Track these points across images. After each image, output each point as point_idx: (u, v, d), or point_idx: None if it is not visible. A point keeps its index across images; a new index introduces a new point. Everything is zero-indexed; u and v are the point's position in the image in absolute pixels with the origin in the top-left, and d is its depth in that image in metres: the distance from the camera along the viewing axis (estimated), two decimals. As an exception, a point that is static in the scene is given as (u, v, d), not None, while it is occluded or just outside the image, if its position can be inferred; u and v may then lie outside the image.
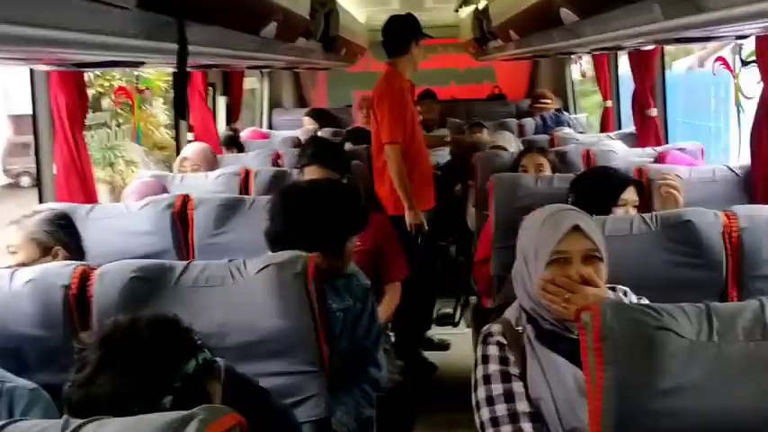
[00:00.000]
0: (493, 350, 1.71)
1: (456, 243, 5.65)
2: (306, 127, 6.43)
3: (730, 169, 2.79)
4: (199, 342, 1.36)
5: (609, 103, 5.25)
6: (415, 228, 3.93)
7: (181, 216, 2.57)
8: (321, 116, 6.63)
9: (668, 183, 2.51)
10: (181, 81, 1.59)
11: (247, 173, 3.42)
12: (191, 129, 4.38)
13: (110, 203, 2.66)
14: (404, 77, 4.04)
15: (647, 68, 4.13)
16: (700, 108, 10.57)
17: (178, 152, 4.32)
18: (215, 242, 2.57)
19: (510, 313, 1.80)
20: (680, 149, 3.54)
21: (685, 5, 1.62)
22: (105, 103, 10.03)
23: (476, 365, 1.73)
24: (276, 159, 4.24)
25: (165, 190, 3.01)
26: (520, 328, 1.73)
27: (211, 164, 4.01)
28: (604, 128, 5.26)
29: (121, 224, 2.56)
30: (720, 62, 3.29)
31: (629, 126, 5.17)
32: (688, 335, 1.20)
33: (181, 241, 2.56)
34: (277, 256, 1.78)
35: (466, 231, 4.54)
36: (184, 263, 1.83)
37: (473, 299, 3.60)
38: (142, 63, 2.08)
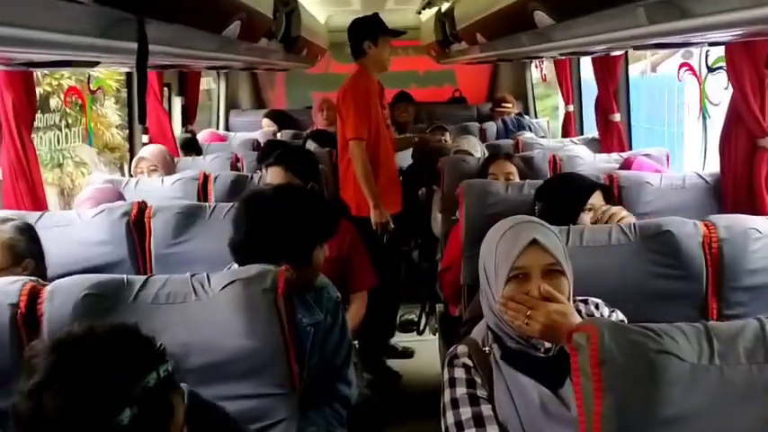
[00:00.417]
0: (459, 373, 1.66)
1: (419, 248, 5.58)
2: (265, 129, 6.30)
3: (700, 177, 2.77)
4: (161, 350, 1.25)
5: (571, 108, 5.25)
6: (381, 227, 3.85)
7: (137, 224, 2.43)
8: (280, 118, 6.50)
9: (622, 217, 2.46)
10: (140, 82, 1.46)
11: (206, 177, 3.29)
12: (145, 131, 4.21)
13: (61, 211, 2.50)
14: (371, 78, 3.96)
15: (611, 73, 4.12)
16: (654, 113, 10.73)
17: (132, 154, 4.15)
18: (174, 252, 2.43)
19: (477, 333, 1.75)
20: (645, 155, 3.53)
21: (671, 11, 1.57)
22: (54, 102, 9.70)
23: (443, 389, 1.67)
24: (235, 163, 4.11)
25: (120, 196, 2.86)
26: (487, 348, 1.68)
27: (169, 167, 3.87)
28: (566, 133, 5.25)
29: (74, 233, 2.41)
30: (686, 68, 3.28)
31: (589, 131, 5.24)
32: (689, 358, 1.13)
33: (137, 251, 2.42)
34: (243, 270, 1.67)
35: (429, 237, 4.48)
36: (143, 278, 1.70)
37: (439, 306, 3.53)
38: (97, 63, 1.95)
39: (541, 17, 2.33)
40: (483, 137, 5.82)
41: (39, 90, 8.60)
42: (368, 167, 3.79)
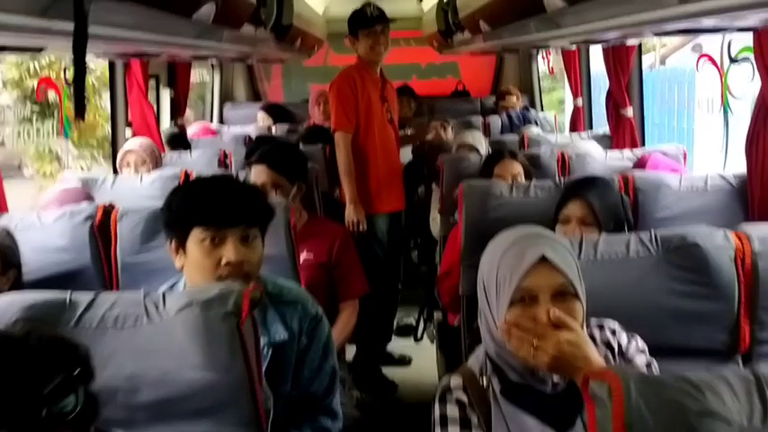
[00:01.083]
0: (452, 410, 1.43)
1: (418, 249, 5.35)
2: (260, 123, 6.07)
3: (724, 178, 2.52)
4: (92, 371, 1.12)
5: (579, 102, 4.99)
6: (353, 225, 3.64)
7: (102, 229, 2.19)
8: (276, 111, 6.26)
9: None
10: (77, 70, 1.23)
11: (187, 176, 3.06)
12: (129, 124, 3.98)
13: (19, 213, 2.27)
14: (367, 70, 3.77)
15: (623, 65, 3.86)
16: (663, 107, 10.45)
17: (114, 149, 3.92)
18: (142, 260, 2.19)
19: (474, 362, 1.51)
20: (661, 152, 3.28)
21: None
22: (52, 95, 9.50)
23: (433, 427, 1.45)
24: (223, 159, 3.87)
25: (88, 197, 2.63)
26: (485, 379, 1.44)
27: (157, 161, 3.66)
28: (574, 128, 5.00)
29: (33, 238, 2.17)
30: (706, 58, 3.03)
31: (598, 126, 4.99)
32: (737, 419, 0.90)
33: (102, 259, 2.19)
34: (203, 290, 1.43)
35: (428, 237, 4.25)
36: (90, 296, 1.47)
37: (437, 314, 3.30)
38: (41, 48, 1.71)
39: (541, 3, 2.09)
40: (486, 131, 5.59)
41: (33, 83, 8.48)
42: (349, 160, 3.65)
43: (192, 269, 1.71)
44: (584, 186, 2.27)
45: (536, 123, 5.55)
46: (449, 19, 4.96)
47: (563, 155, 3.31)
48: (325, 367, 1.77)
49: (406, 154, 5.72)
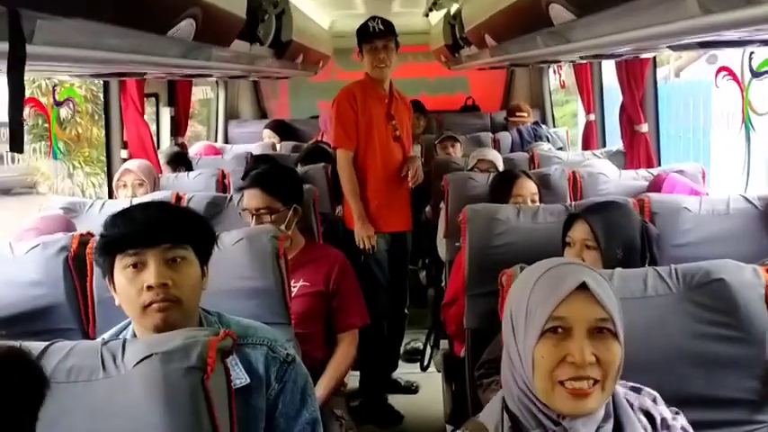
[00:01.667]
0: None
1: (426, 269, 5.18)
2: (265, 141, 5.96)
3: (747, 200, 2.34)
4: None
5: (592, 117, 4.82)
6: (362, 241, 3.53)
7: (78, 261, 2.05)
8: (282, 129, 6.15)
9: None
10: (12, 90, 1.07)
11: (179, 199, 2.92)
12: (125, 145, 3.86)
13: (-7, 243, 2.12)
14: (372, 85, 3.64)
15: (638, 79, 3.71)
16: (677, 122, 10.20)
17: (110, 171, 3.80)
18: (120, 295, 2.04)
19: (487, 417, 1.32)
20: (678, 171, 3.10)
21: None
22: (63, 112, 9.48)
23: None
24: (222, 180, 3.73)
25: (69, 226, 2.48)
26: None
27: (155, 182, 3.53)
28: (587, 144, 4.83)
29: (5, 271, 2.03)
30: (725, 72, 2.86)
31: (612, 142, 4.82)
32: None
33: (77, 294, 2.04)
34: (164, 340, 1.27)
35: (436, 258, 4.08)
36: (42, 345, 1.32)
37: (444, 343, 3.14)
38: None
39: (558, 11, 1.93)
40: (496, 148, 5.43)
41: (44, 100, 8.47)
42: (352, 178, 3.56)
43: (123, 302, 1.58)
44: (590, 208, 2.12)
45: (547, 139, 5.39)
46: (456, 33, 4.82)
47: (574, 174, 3.14)
48: (303, 415, 1.59)
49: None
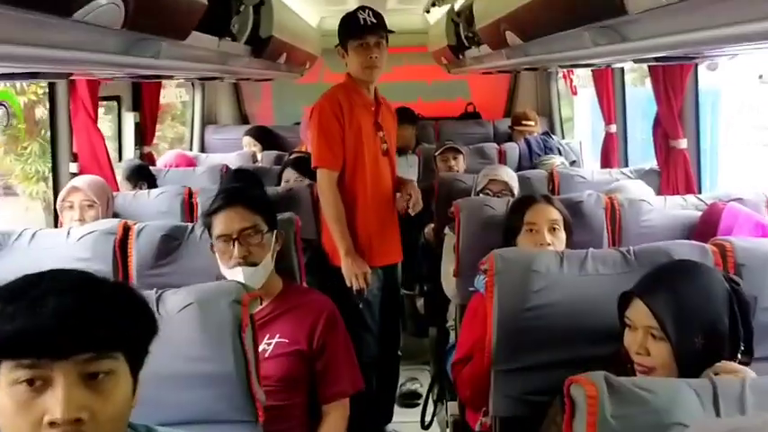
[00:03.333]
0: None
1: (424, 296, 4.63)
2: (245, 149, 5.38)
3: None
4: None
5: (613, 129, 4.28)
6: (355, 279, 2.94)
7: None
8: (264, 136, 5.58)
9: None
10: None
11: (127, 230, 2.34)
12: (74, 157, 3.28)
13: None
14: (357, 90, 3.03)
15: (676, 87, 3.17)
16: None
17: (56, 189, 3.22)
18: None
19: None
20: (737, 199, 2.57)
21: None
22: (39, 112, 8.89)
23: None
24: (188, 200, 3.15)
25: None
26: None
27: (109, 203, 2.97)
28: (607, 159, 4.28)
29: None
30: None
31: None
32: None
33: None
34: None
35: (437, 287, 3.52)
36: None
37: (452, 405, 2.58)
38: None
39: (615, 3, 1.39)
40: (502, 160, 4.89)
41: (23, 99, 7.86)
42: (338, 203, 2.93)
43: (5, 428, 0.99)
44: (649, 284, 1.54)
45: (559, 152, 4.85)
46: (460, 32, 4.27)
47: (612, 202, 2.59)
48: None
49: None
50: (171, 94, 6.20)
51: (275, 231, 2.18)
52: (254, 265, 2.09)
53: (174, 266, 2.32)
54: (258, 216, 2.13)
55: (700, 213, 2.59)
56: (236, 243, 2.08)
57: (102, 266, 2.29)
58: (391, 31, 3.01)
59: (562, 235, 2.37)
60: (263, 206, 2.18)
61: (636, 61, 2.26)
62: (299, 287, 2.31)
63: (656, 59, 1.96)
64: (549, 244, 2.30)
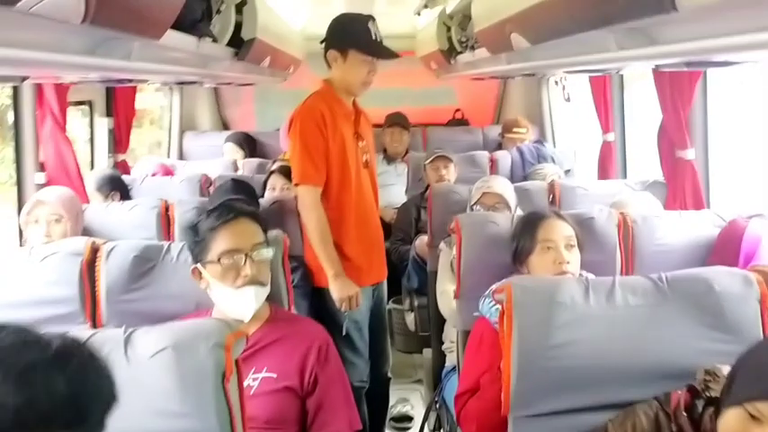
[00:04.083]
0: None
1: (414, 311, 4.42)
2: (227, 156, 5.15)
3: None
4: None
5: (611, 137, 4.10)
6: (346, 302, 2.73)
7: None
8: (246, 143, 5.34)
9: None
10: None
11: (95, 250, 2.11)
12: (41, 167, 3.03)
13: None
14: (337, 99, 2.82)
15: (684, 94, 3.00)
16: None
17: (20, 201, 2.97)
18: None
19: None
20: (756, 216, 2.39)
21: None
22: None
23: None
24: (164, 214, 2.91)
25: None
26: None
27: (78, 217, 2.74)
28: (604, 169, 4.11)
29: None
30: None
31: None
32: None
33: None
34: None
35: (429, 302, 3.32)
36: None
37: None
38: None
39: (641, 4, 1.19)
40: (494, 169, 4.70)
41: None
42: (323, 222, 2.70)
43: None
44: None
45: (552, 160, 4.68)
46: (452, 36, 4.08)
47: (624, 219, 2.40)
48: None
49: (399, 193, 4.84)
50: (149, 98, 5.94)
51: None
52: (263, 285, 1.92)
53: (148, 291, 2.09)
54: (263, 233, 1.97)
55: (718, 231, 2.41)
56: (247, 259, 1.88)
57: (67, 291, 2.07)
58: (397, 56, 2.81)
59: (577, 252, 2.18)
60: (264, 222, 2.00)
61: (658, 66, 2.07)
62: (287, 314, 2.09)
63: (688, 64, 1.77)
64: (568, 262, 2.12)
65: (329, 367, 1.95)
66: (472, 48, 3.60)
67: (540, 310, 1.53)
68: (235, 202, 2.19)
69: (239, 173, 4.64)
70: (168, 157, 5.30)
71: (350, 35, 2.75)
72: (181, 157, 5.42)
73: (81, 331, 1.36)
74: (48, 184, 2.99)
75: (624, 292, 1.58)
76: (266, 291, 1.94)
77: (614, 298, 1.57)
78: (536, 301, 1.54)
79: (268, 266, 1.95)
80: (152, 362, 1.26)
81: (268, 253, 1.94)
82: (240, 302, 1.89)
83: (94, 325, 2.07)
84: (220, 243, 1.90)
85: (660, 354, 1.51)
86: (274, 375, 1.89)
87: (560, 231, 2.15)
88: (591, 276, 2.03)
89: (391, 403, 3.55)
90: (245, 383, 1.85)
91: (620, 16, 1.49)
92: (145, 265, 2.11)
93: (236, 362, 1.34)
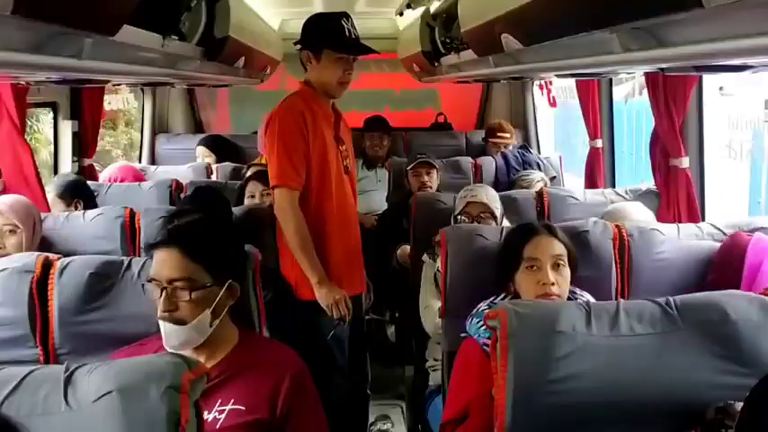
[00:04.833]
0: None
1: (395, 323, 4.26)
2: (199, 160, 4.95)
3: None
4: None
5: (599, 143, 3.98)
6: (335, 307, 2.58)
7: None
8: (219, 146, 5.14)
9: None
10: None
11: (47, 266, 1.92)
12: (-4, 173, 2.83)
13: None
14: (317, 101, 2.67)
15: (678, 100, 2.87)
16: (646, 139, 9.50)
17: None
18: None
19: None
20: (759, 229, 2.25)
21: None
22: None
23: None
24: (129, 224, 2.72)
25: None
26: None
27: (36, 228, 2.55)
28: (592, 176, 3.98)
29: None
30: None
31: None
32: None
33: None
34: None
35: (410, 315, 3.15)
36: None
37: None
38: None
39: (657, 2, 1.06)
40: (478, 175, 4.56)
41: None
42: (302, 227, 2.55)
43: None
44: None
45: (538, 166, 4.55)
46: (436, 37, 3.93)
47: (620, 231, 2.25)
48: None
49: (380, 200, 4.68)
50: (124, 99, 5.73)
51: (228, 283, 1.75)
52: (181, 323, 1.67)
53: (106, 312, 1.91)
54: (198, 266, 1.68)
55: (717, 245, 2.27)
56: (163, 293, 1.68)
57: (16, 312, 1.89)
58: (375, 51, 2.67)
59: (567, 272, 2.02)
60: (210, 252, 1.72)
61: (664, 70, 1.93)
62: (258, 339, 1.91)
63: (696, 68, 1.63)
64: (552, 283, 1.96)
65: (304, 397, 1.78)
66: (457, 49, 3.44)
67: (539, 340, 1.37)
68: (177, 225, 1.92)
69: (213, 177, 4.45)
70: (140, 161, 5.09)
71: (322, 34, 2.63)
72: (153, 161, 5.21)
73: (16, 369, 1.17)
74: (4, 191, 2.78)
75: (629, 320, 1.43)
76: (190, 331, 1.68)
77: (618, 325, 1.42)
78: (534, 330, 1.39)
79: (199, 305, 1.68)
80: (95, 407, 1.08)
81: (186, 293, 1.66)
82: (164, 334, 1.70)
83: (46, 349, 1.89)
84: (152, 266, 1.72)
85: (669, 388, 1.36)
86: (243, 408, 1.71)
87: (548, 250, 1.99)
88: (590, 299, 1.88)
89: (371, 420, 3.39)
90: (210, 416, 1.68)
91: (629, 15, 1.34)
92: (103, 282, 1.93)
93: (196, 403, 1.17)
